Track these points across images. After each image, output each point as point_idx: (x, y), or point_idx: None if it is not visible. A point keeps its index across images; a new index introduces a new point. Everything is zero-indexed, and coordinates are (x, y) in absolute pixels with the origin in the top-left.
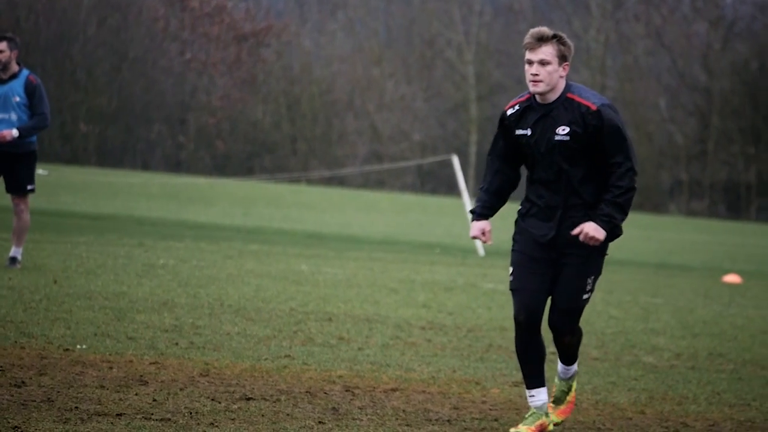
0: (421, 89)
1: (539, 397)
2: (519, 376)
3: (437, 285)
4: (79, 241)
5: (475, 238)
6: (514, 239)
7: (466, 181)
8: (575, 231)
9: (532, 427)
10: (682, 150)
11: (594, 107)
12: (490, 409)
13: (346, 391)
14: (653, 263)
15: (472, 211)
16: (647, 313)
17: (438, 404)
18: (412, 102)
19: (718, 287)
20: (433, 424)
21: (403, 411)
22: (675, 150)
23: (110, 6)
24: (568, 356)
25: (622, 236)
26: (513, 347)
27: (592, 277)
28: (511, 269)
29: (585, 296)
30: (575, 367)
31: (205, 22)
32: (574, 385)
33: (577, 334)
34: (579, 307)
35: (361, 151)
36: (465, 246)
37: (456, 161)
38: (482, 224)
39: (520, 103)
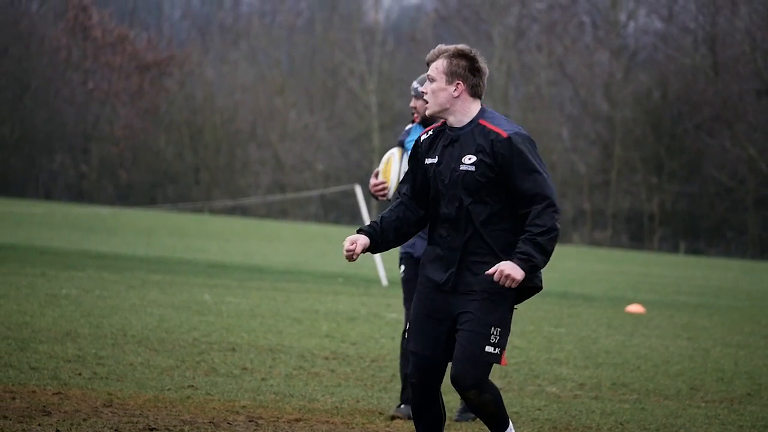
0: (323, 119)
1: None
2: None
3: (340, 315)
4: None
5: (346, 253)
6: (417, 289)
7: (369, 211)
8: (490, 271)
9: None
10: (584, 179)
11: (505, 134)
12: None
13: (250, 421)
14: (556, 293)
15: (359, 230)
16: (550, 343)
17: None
18: (315, 131)
19: (621, 317)
20: None
21: None
22: (578, 180)
23: (12, 35)
24: (489, 421)
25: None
26: None
27: (497, 329)
28: (407, 325)
29: (489, 348)
30: None
31: (107, 51)
32: None
33: (488, 391)
34: (480, 359)
35: (264, 180)
36: (368, 276)
37: (359, 191)
38: (357, 236)
39: (435, 128)
